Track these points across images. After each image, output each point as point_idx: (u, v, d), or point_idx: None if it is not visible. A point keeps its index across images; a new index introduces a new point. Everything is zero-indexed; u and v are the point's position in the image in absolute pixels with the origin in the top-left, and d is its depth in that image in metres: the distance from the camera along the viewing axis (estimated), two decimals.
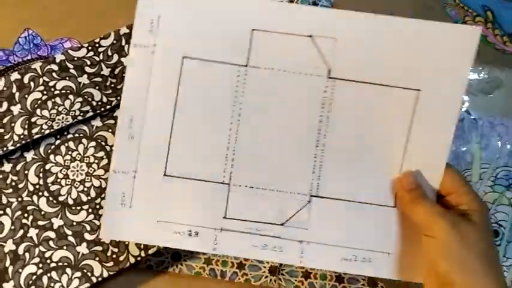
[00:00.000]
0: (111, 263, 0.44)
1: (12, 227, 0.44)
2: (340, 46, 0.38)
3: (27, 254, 0.44)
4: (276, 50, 0.39)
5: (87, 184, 0.46)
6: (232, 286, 0.42)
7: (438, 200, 0.39)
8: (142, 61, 0.39)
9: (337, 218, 0.40)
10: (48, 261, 0.44)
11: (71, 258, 0.44)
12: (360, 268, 0.40)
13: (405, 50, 0.38)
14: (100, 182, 0.46)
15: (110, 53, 0.48)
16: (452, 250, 0.34)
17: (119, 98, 0.47)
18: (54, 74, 0.46)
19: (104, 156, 0.46)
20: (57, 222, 0.45)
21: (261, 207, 0.40)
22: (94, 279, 0.44)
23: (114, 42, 0.48)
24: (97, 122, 0.47)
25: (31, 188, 0.45)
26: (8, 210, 0.45)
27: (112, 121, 0.47)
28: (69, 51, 0.47)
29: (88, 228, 0.45)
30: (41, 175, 0.45)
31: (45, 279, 0.43)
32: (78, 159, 0.46)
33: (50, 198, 0.45)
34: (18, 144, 0.45)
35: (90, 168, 0.46)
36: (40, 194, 0.45)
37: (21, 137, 0.45)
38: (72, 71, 0.47)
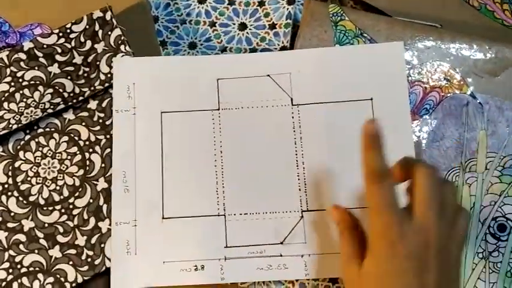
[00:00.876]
0: (86, 267, 0.42)
1: None
2: (295, 78, 0.45)
3: None
4: (242, 91, 0.45)
5: (60, 182, 0.43)
6: (219, 286, 0.42)
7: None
8: (125, 122, 0.44)
9: (331, 227, 0.42)
10: (19, 266, 0.42)
11: (43, 263, 0.42)
12: None
13: (350, 70, 0.45)
14: (73, 180, 0.43)
15: (82, 40, 0.46)
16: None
17: (92, 88, 0.45)
18: (22, 64, 0.45)
19: (77, 152, 0.44)
20: (27, 224, 0.43)
21: (258, 230, 0.43)
22: (68, 285, 0.41)
23: (87, 27, 0.47)
24: (69, 115, 0.45)
25: None
26: None
27: (85, 113, 0.45)
28: (39, 38, 0.46)
29: (61, 230, 0.42)
30: (9, 173, 0.44)
31: (15, 285, 0.41)
32: (50, 155, 0.44)
33: (20, 199, 0.43)
34: None
35: (63, 165, 0.44)
36: (9, 194, 0.43)
37: None
38: (41, 59, 0.46)
